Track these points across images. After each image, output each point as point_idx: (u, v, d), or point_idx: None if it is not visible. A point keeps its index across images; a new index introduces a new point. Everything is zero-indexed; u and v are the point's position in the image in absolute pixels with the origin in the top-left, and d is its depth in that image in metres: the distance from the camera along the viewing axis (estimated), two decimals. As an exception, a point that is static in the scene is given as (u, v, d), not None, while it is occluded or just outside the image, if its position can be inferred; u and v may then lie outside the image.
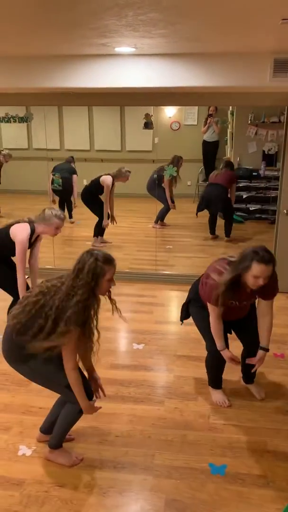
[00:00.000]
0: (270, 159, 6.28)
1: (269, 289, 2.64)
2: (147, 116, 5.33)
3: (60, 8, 2.31)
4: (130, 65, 3.83)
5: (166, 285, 4.91)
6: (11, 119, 5.04)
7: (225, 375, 3.21)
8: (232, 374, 3.23)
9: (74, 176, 6.59)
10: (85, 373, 2.39)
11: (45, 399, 2.93)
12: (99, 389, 2.45)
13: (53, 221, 3.29)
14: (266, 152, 5.90)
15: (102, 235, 6.09)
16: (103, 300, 4.64)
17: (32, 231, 3.30)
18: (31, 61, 3.91)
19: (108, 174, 5.87)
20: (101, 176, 5.86)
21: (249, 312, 2.93)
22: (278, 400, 2.96)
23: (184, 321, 3.16)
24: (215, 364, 2.95)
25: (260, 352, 2.77)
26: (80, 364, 2.30)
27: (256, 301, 2.85)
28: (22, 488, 2.26)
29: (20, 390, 3.05)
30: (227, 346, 2.82)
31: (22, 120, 5.08)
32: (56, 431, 2.40)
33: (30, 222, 3.33)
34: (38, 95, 4.52)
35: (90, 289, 2.12)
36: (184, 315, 3.11)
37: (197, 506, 2.16)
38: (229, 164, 6.17)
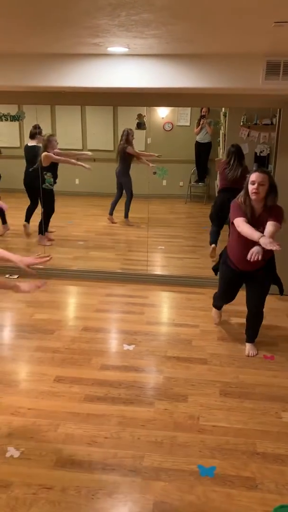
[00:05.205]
0: (262, 161, 6.28)
1: (273, 214, 3.12)
2: (140, 116, 5.33)
3: (53, 7, 2.29)
4: (123, 65, 3.82)
5: (158, 286, 4.90)
6: (3, 117, 5.00)
7: (216, 376, 3.22)
8: (223, 375, 3.24)
9: None
10: None
11: (34, 400, 2.93)
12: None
13: None
14: (258, 154, 5.89)
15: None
16: (94, 300, 4.63)
17: None
18: (24, 59, 3.88)
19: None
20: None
21: (263, 275, 3.37)
22: (267, 402, 2.96)
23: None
24: (217, 302, 3.93)
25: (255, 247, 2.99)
26: None
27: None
28: (10, 490, 2.24)
29: (9, 391, 3.02)
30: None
31: (14, 118, 5.04)
32: None
33: None
34: (31, 93, 4.49)
35: None
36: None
37: (186, 508, 2.15)
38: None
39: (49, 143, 5.69)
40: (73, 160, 5.77)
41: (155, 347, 3.63)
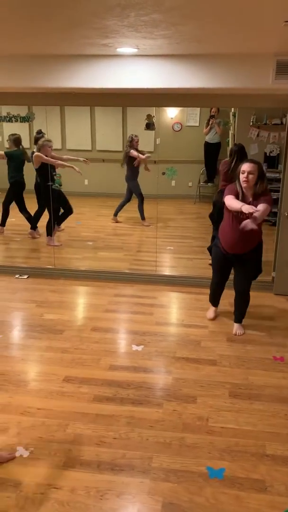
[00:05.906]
0: (271, 161, 6.26)
1: (263, 198, 3.38)
2: (149, 117, 5.33)
3: (62, 7, 2.30)
4: (132, 66, 3.82)
5: (167, 286, 4.90)
6: (13, 118, 5.03)
7: (226, 378, 3.20)
8: (233, 377, 3.22)
9: None
10: None
11: (43, 400, 2.94)
12: None
13: None
14: (267, 154, 5.87)
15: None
16: (103, 301, 4.63)
17: None
18: (33, 60, 3.91)
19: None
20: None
21: (249, 257, 3.63)
22: (277, 404, 2.94)
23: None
24: (212, 288, 4.06)
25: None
26: None
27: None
28: (19, 489, 2.25)
29: (18, 391, 3.04)
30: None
31: (23, 119, 5.07)
32: None
33: None
34: (40, 94, 4.51)
35: None
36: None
37: (195, 510, 2.14)
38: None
39: (42, 147, 5.71)
40: (62, 162, 5.77)
41: (164, 347, 3.63)
